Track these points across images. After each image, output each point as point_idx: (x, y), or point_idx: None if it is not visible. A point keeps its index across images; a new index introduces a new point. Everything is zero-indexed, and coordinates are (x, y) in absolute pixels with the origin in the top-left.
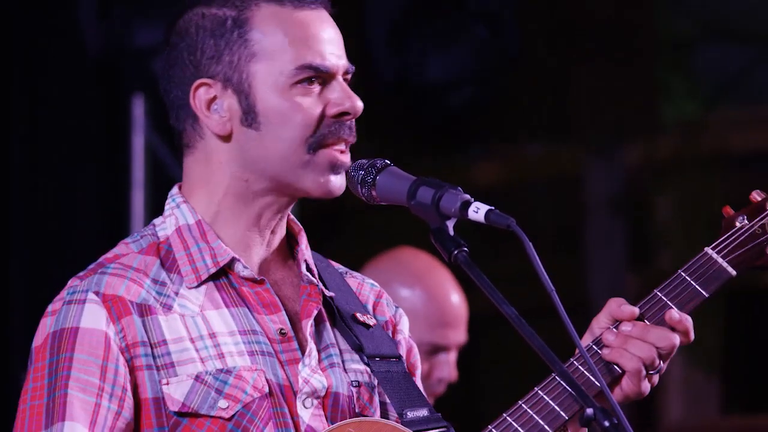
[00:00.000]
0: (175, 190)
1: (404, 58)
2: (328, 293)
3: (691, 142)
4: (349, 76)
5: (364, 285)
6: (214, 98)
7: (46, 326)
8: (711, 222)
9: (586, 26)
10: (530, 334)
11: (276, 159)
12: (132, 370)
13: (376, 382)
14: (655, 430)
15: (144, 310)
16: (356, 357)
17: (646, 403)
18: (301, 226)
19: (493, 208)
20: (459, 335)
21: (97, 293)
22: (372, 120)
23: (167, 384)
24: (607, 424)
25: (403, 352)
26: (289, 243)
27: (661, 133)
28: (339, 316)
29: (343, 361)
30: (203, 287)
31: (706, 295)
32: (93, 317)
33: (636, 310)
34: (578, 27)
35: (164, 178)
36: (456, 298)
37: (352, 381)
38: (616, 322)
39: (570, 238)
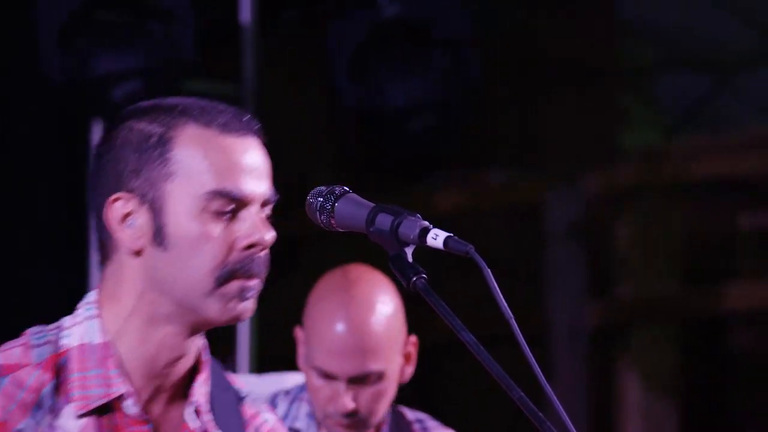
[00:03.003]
0: (92, 296)
1: (365, 85)
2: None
3: (651, 170)
4: (269, 207)
5: (257, 417)
6: (130, 213)
7: None
8: (671, 250)
9: (547, 54)
10: (488, 361)
11: (182, 283)
12: None
13: None
14: None
15: None
16: None
17: (605, 429)
18: (209, 358)
19: (451, 234)
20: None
21: None
22: (333, 147)
23: None
24: None
25: None
26: (192, 374)
27: (622, 161)
28: None
29: None
30: (81, 421)
31: None
32: None
33: None
34: (539, 55)
35: None
36: (341, 327)
37: None
38: None
39: (530, 266)
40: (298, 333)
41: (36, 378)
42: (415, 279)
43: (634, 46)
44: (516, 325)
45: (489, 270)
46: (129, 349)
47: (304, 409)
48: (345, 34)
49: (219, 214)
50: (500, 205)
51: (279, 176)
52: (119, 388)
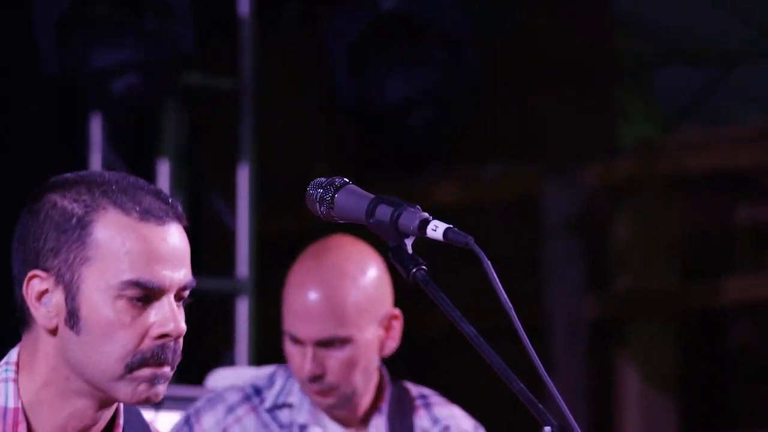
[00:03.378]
0: (13, 357)
1: (364, 80)
2: None
3: (649, 164)
4: (186, 291)
5: None
6: (46, 291)
7: None
8: (669, 244)
9: (545, 49)
10: (488, 353)
11: (92, 367)
12: None
13: None
14: None
15: None
16: None
17: (602, 422)
18: (123, 423)
19: (451, 226)
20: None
21: None
22: (331, 141)
23: None
24: None
25: None
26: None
27: (619, 155)
28: None
29: None
30: None
31: None
32: None
33: None
34: (537, 50)
35: None
36: (307, 291)
37: None
38: None
39: (528, 259)
40: (282, 307)
41: None
42: (414, 270)
43: (631, 41)
44: (515, 314)
45: (488, 261)
46: (40, 419)
47: (298, 384)
48: (343, 29)
49: (133, 303)
50: (498, 199)
51: (277, 170)
52: None
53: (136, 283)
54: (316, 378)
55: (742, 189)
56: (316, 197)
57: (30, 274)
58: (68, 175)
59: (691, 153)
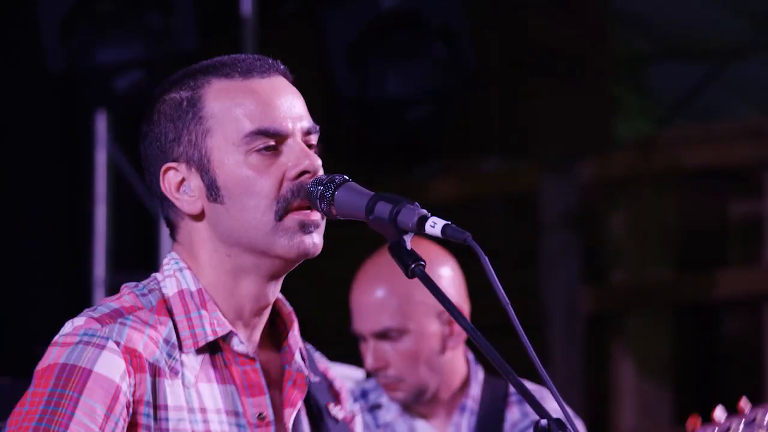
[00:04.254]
0: (175, 253)
1: (363, 75)
2: (312, 378)
3: (644, 159)
4: (312, 137)
5: (329, 372)
6: (183, 180)
7: (55, 355)
8: (664, 237)
9: (542, 45)
10: (485, 346)
11: (245, 229)
12: (131, 426)
13: None
14: None
15: (155, 371)
16: None
17: (598, 413)
18: (291, 308)
19: (449, 222)
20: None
21: (117, 343)
22: (331, 136)
23: None
24: None
25: None
26: (273, 322)
27: (615, 150)
28: (315, 406)
29: None
30: (200, 357)
31: None
32: (109, 366)
33: None
34: (533, 45)
35: (126, 192)
36: (364, 287)
37: None
38: None
39: (525, 253)
40: None
41: (154, 320)
42: (413, 266)
43: (627, 37)
44: (513, 311)
45: (486, 257)
46: (219, 301)
47: None
48: (343, 28)
49: (263, 153)
50: (496, 194)
51: None
52: (225, 327)
53: (258, 132)
54: (379, 370)
55: (735, 183)
56: (316, 194)
57: (162, 170)
58: (169, 77)
59: (685, 148)
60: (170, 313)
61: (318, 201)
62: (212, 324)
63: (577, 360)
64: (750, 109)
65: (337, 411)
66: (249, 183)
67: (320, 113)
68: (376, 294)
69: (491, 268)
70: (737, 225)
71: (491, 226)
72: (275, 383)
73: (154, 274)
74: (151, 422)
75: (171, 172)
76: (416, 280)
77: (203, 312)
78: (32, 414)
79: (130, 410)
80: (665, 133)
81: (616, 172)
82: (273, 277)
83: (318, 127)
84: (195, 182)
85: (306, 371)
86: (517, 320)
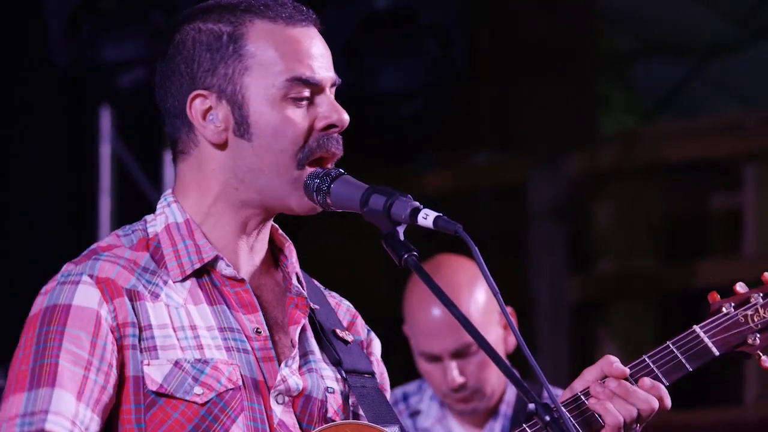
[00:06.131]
0: (167, 191)
1: (358, 70)
2: (313, 305)
3: (629, 152)
4: (334, 89)
5: (341, 305)
6: (210, 109)
7: (38, 303)
8: (649, 228)
9: (529, 42)
10: (477, 335)
11: (267, 170)
12: (120, 349)
13: (350, 394)
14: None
15: (133, 295)
16: (334, 368)
17: None
18: (288, 238)
19: (441, 214)
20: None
21: (90, 276)
22: None
23: (148, 365)
24: (548, 418)
25: (376, 371)
26: (273, 253)
27: (601, 144)
28: (320, 329)
29: (320, 369)
30: (187, 282)
31: (690, 369)
32: (86, 296)
33: (626, 371)
34: (521, 42)
35: (130, 186)
36: (432, 309)
37: (327, 387)
38: (605, 377)
39: (514, 244)
40: (405, 330)
41: (130, 254)
42: (406, 256)
43: (613, 35)
44: (502, 300)
45: (476, 247)
46: (213, 228)
47: (428, 392)
48: (338, 25)
49: (297, 101)
50: (486, 186)
51: None
52: (209, 253)
53: (297, 80)
54: (461, 387)
55: (717, 176)
56: (313, 187)
57: (192, 95)
58: (200, 5)
59: (669, 142)
60: (154, 251)
61: (315, 193)
62: (198, 252)
63: (563, 346)
64: (731, 105)
65: (345, 334)
66: (280, 127)
67: None
68: (445, 312)
69: (481, 258)
70: (719, 217)
71: (481, 217)
72: (272, 304)
73: (144, 217)
74: (137, 342)
75: (199, 100)
76: (471, 287)
77: (189, 242)
78: (26, 357)
79: (117, 334)
80: (649, 127)
81: (602, 166)
82: (267, 218)
83: (340, 81)
84: (224, 114)
85: (305, 293)
86: (505, 308)
